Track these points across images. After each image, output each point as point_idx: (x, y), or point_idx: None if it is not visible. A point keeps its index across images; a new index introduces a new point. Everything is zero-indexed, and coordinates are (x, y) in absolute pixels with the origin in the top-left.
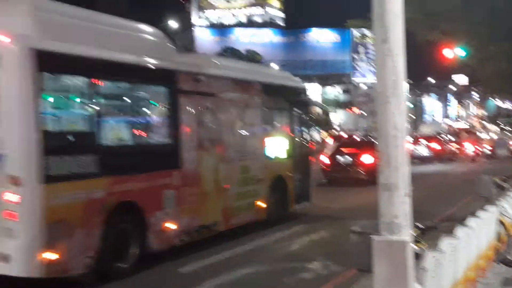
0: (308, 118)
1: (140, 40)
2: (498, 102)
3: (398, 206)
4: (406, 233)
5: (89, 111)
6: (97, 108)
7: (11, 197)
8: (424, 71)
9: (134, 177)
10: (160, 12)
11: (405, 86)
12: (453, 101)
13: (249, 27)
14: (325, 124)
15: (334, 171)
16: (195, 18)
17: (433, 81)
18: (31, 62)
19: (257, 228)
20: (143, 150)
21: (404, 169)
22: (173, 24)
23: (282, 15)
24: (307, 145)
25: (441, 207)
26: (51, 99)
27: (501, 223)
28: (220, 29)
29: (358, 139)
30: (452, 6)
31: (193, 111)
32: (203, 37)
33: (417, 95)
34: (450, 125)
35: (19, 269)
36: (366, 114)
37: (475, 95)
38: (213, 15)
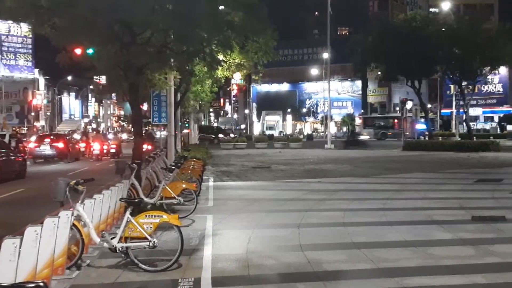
0: None
1: None
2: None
3: None
4: None
5: None
6: None
7: None
8: (65, 68)
9: None
10: None
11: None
12: (93, 100)
13: None
14: None
15: None
16: None
17: (71, 79)
18: None
19: None
20: None
21: None
22: None
23: None
24: None
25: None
26: None
27: (75, 227)
28: None
29: None
30: (57, 2)
31: None
32: None
33: (55, 92)
34: (86, 124)
35: None
36: None
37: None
38: None
